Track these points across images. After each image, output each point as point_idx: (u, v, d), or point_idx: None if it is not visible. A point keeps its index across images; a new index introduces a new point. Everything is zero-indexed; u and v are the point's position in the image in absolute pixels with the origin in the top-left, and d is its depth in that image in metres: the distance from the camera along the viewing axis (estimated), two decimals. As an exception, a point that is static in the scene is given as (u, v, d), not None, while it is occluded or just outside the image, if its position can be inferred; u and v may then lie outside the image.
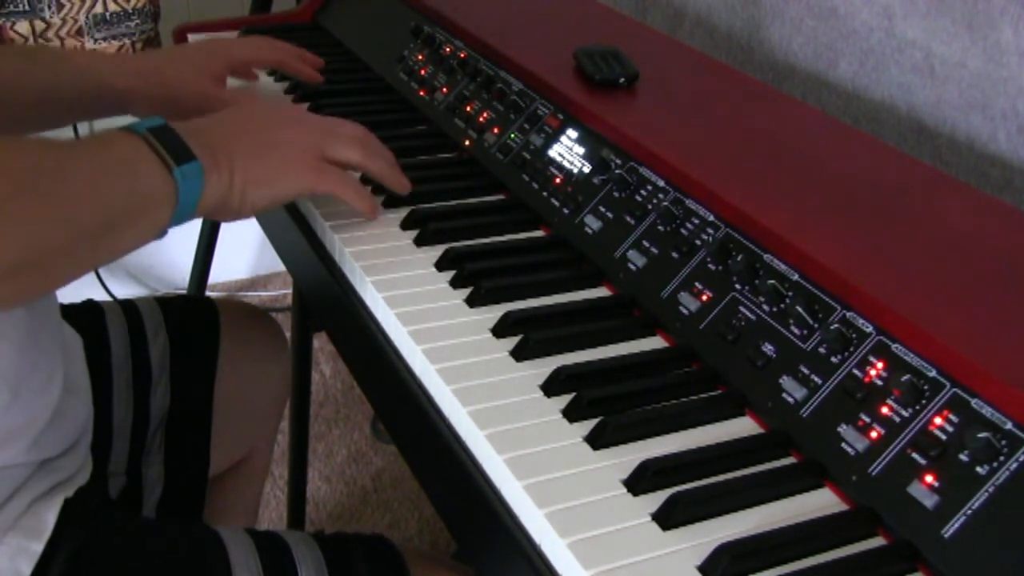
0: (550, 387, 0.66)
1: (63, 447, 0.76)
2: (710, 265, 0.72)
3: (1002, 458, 0.53)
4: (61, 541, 0.72)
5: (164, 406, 0.98)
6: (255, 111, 0.81)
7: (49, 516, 0.72)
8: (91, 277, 1.95)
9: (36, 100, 0.88)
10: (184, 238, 1.45)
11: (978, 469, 0.54)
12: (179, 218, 0.71)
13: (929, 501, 0.55)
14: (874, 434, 0.58)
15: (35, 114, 0.90)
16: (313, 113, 0.92)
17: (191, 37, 1.25)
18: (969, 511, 0.53)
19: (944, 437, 0.56)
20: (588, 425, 0.63)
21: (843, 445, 0.59)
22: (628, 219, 0.79)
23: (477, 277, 0.77)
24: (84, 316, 0.96)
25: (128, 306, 1.00)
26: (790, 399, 0.63)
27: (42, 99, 0.89)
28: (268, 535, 0.82)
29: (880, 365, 0.60)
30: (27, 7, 1.79)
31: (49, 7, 1.79)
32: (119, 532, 0.77)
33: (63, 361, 0.78)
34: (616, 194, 0.81)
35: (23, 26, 1.79)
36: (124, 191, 0.67)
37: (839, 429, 0.60)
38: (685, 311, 0.71)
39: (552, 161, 0.88)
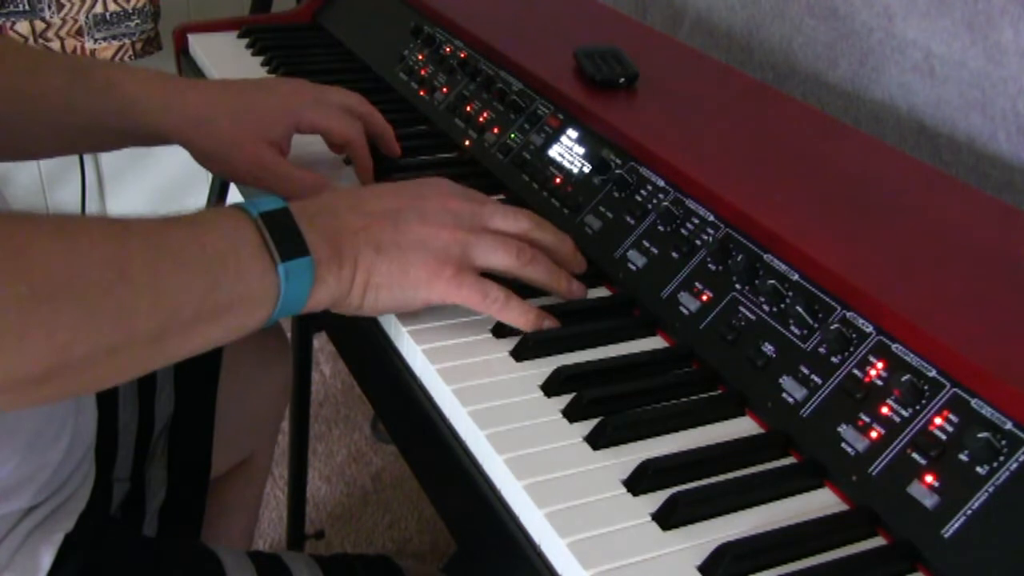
0: (550, 387, 0.66)
1: (67, 475, 0.75)
2: (710, 265, 0.72)
3: (1002, 458, 0.53)
4: None
5: (168, 410, 0.98)
6: (395, 197, 0.70)
7: (46, 555, 0.70)
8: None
9: (84, 124, 0.84)
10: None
11: (978, 469, 0.54)
12: (281, 317, 0.64)
13: (929, 501, 0.55)
14: (874, 434, 0.58)
15: (82, 138, 0.86)
16: (467, 189, 0.75)
17: (191, 37, 1.25)
18: (969, 511, 0.53)
19: (944, 437, 0.56)
20: (588, 425, 0.63)
21: (843, 445, 0.59)
22: (628, 219, 0.78)
23: (477, 277, 0.76)
24: None
25: None
26: (790, 399, 0.63)
27: (89, 125, 0.84)
28: (270, 558, 0.82)
29: (880, 365, 0.60)
30: (27, 7, 1.78)
31: (49, 7, 1.79)
32: (118, 559, 0.76)
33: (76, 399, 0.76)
34: (616, 194, 0.81)
35: (23, 26, 1.79)
36: (208, 285, 0.59)
37: (839, 429, 0.60)
38: (685, 311, 0.71)
39: (552, 161, 0.88)
